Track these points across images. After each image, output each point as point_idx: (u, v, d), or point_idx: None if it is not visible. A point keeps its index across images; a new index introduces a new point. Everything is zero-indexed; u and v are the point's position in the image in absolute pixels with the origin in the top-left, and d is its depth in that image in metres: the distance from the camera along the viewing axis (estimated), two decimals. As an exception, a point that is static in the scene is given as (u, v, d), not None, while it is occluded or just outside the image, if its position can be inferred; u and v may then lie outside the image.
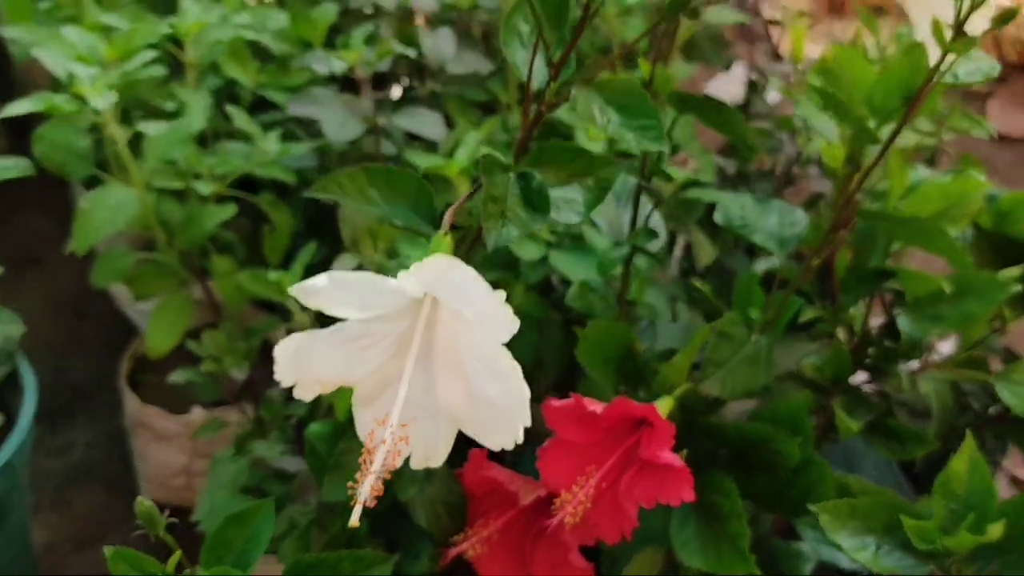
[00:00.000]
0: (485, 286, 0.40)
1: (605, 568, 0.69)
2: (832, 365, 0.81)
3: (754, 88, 1.40)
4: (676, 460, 0.57)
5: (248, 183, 1.02)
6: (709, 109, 0.68)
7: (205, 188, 0.90)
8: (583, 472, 0.60)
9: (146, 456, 1.13)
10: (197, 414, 1.06)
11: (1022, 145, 2.32)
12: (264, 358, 1.01)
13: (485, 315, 0.40)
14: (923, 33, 0.63)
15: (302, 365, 0.44)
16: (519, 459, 0.77)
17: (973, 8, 0.58)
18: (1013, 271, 0.87)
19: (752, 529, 0.71)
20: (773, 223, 0.76)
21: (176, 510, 1.14)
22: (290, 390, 0.92)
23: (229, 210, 0.91)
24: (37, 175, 0.90)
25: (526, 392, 0.42)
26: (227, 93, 1.11)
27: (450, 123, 1.09)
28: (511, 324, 0.40)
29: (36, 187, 0.94)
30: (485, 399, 0.43)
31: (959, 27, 0.60)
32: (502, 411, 0.43)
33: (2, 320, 0.89)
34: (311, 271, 0.96)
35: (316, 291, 0.40)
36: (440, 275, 0.40)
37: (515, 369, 0.42)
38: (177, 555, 0.48)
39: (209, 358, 0.85)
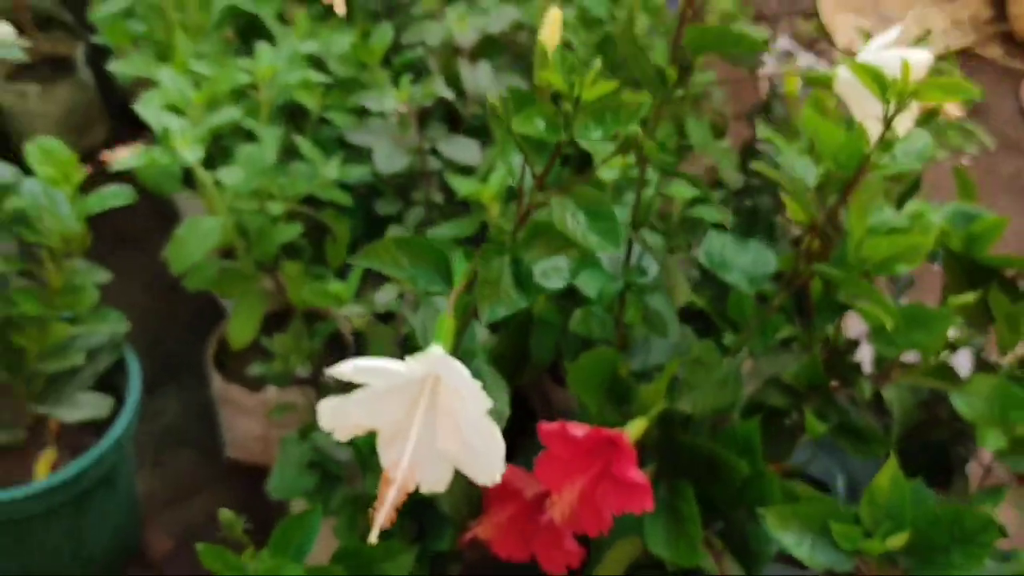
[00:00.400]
0: (467, 374, 0.53)
1: (594, 550, 0.83)
2: (807, 374, 0.92)
3: (775, 94, 1.49)
4: (639, 477, 0.70)
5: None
6: (689, 177, 0.80)
7: (277, 208, 1.04)
8: (571, 479, 0.74)
9: (230, 425, 1.30)
10: (271, 392, 1.22)
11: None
12: (327, 349, 1.17)
13: (470, 392, 0.54)
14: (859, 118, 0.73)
15: (338, 418, 0.58)
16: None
17: (898, 111, 0.69)
18: (967, 297, 0.98)
19: (733, 516, 0.85)
20: (748, 261, 0.87)
21: (255, 468, 1.32)
22: (347, 383, 1.09)
23: (295, 229, 1.05)
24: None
25: (502, 446, 0.56)
26: (295, 111, 1.25)
27: (490, 136, 1.22)
28: (487, 401, 0.53)
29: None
30: (473, 448, 0.57)
31: (888, 123, 0.71)
32: (484, 458, 0.56)
33: (110, 319, 1.05)
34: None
35: (345, 373, 0.54)
36: (437, 365, 0.54)
37: (495, 429, 0.55)
38: (251, 550, 0.63)
39: (279, 357, 1.00)
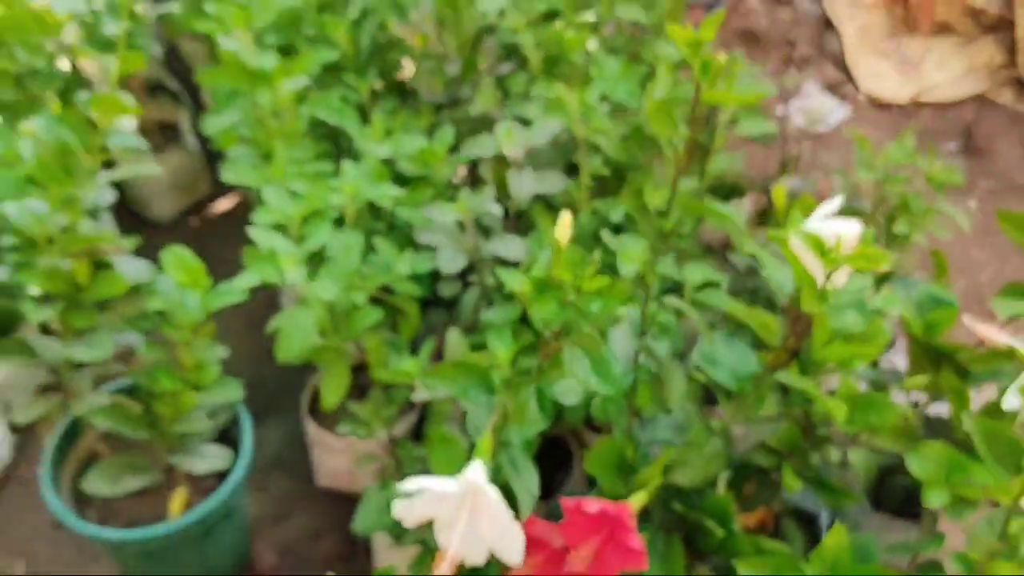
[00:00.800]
0: (494, 494, 0.73)
1: (607, 589, 1.02)
2: (788, 439, 1.11)
3: (786, 166, 1.65)
4: (637, 544, 0.89)
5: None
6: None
7: (359, 298, 1.25)
8: (586, 539, 0.93)
9: (321, 461, 1.52)
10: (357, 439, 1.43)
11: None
12: (403, 408, 1.37)
13: (496, 506, 0.74)
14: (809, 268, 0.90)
15: (407, 511, 0.79)
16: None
17: (833, 271, 0.86)
18: (922, 379, 1.14)
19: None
20: (734, 359, 1.05)
21: (343, 495, 1.53)
22: (418, 434, 1.31)
23: (377, 314, 1.25)
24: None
25: (522, 538, 0.76)
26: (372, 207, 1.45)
27: (533, 227, 1.41)
28: (508, 511, 0.73)
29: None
30: (500, 539, 0.77)
31: (827, 277, 0.88)
32: (509, 547, 0.76)
33: (229, 387, 1.27)
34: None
35: (409, 490, 0.75)
36: (473, 484, 0.74)
37: (517, 528, 0.75)
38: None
39: (361, 424, 1.21)
